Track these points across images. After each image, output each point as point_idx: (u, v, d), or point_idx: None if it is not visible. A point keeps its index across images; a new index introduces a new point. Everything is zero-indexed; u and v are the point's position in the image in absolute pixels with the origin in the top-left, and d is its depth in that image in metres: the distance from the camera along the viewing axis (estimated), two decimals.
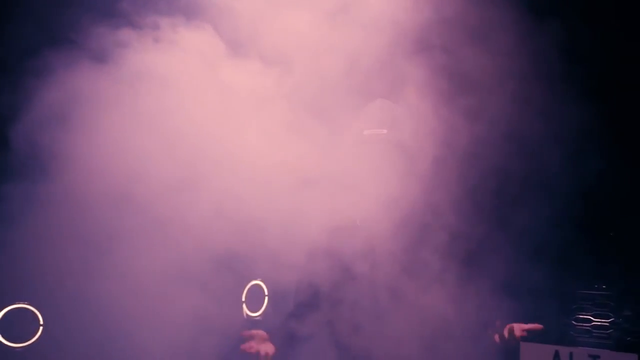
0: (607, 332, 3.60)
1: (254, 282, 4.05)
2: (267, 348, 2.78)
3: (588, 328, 3.66)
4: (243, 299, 4.00)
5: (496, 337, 2.83)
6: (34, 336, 3.49)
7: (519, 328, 2.80)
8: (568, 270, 3.71)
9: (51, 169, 2.85)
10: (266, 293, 4.13)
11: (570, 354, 3.48)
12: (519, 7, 3.03)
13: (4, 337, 3.43)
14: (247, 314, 4.00)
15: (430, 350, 2.80)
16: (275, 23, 2.90)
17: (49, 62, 2.83)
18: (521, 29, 2.98)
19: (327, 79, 2.83)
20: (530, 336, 2.84)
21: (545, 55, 3.09)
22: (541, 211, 3.53)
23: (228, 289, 2.89)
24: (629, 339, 3.55)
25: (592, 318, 3.65)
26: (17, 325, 3.47)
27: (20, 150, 2.84)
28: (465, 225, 2.94)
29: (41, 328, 3.49)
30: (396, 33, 2.88)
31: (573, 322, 3.70)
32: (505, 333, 2.78)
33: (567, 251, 3.65)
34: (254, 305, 4.07)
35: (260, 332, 2.79)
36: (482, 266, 2.91)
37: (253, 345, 2.74)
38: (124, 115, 2.81)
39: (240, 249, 2.83)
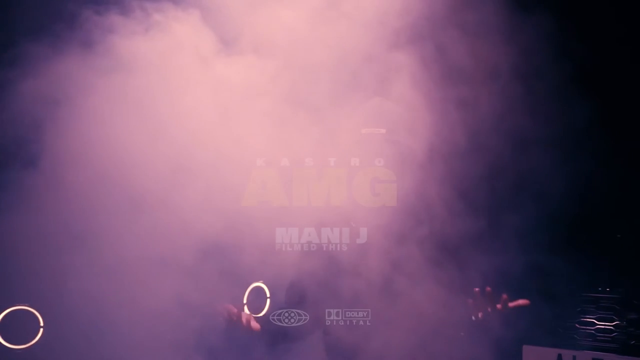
0: (611, 335, 3.57)
1: (255, 284, 4.03)
2: (252, 322, 2.79)
3: (591, 331, 3.62)
4: (244, 301, 3.98)
5: (476, 310, 2.76)
6: (34, 338, 3.50)
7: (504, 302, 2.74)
8: (571, 273, 3.68)
9: (37, 160, 2.85)
10: (268, 295, 4.11)
11: (574, 358, 3.46)
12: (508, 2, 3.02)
13: (4, 338, 3.45)
14: None
15: (424, 348, 2.78)
16: (266, 16, 2.89)
17: (29, 52, 2.82)
18: (511, 24, 2.97)
19: (318, 72, 2.81)
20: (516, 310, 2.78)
21: (536, 51, 3.07)
22: (542, 211, 3.50)
23: (214, 278, 2.85)
24: (632, 342, 3.52)
25: (595, 321, 3.62)
26: (17, 327, 3.48)
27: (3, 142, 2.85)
28: (462, 224, 2.93)
29: (41, 330, 3.50)
30: (386, 27, 2.87)
31: (576, 325, 3.67)
32: (486, 300, 2.72)
33: (570, 253, 3.62)
34: (255, 308, 4.06)
35: (245, 313, 2.80)
36: (481, 266, 2.88)
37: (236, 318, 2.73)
38: (112, 103, 2.79)
39: (229, 240, 2.82)
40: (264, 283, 3.92)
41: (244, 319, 2.76)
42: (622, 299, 3.58)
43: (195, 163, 2.80)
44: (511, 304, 2.77)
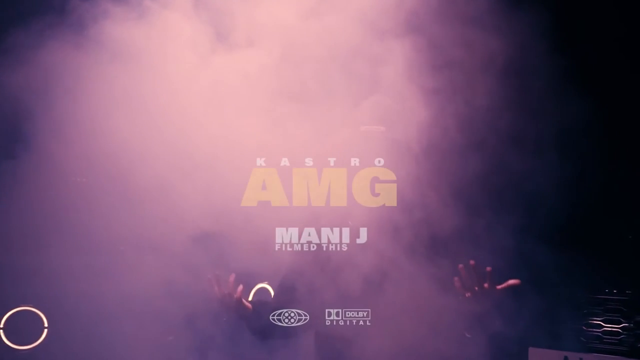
0: (618, 338, 3.54)
1: (260, 285, 4.04)
2: (244, 302, 2.79)
3: (598, 334, 3.59)
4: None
5: (457, 281, 2.71)
6: (38, 338, 3.52)
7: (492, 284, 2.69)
8: (578, 274, 3.66)
9: (29, 155, 2.85)
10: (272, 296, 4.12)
11: None
12: None
13: (9, 339, 3.48)
14: None
15: (425, 349, 2.76)
16: (261, 9, 2.88)
17: (17, 41, 2.82)
18: (507, 20, 2.95)
19: (314, 68, 2.81)
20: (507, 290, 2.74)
21: (534, 48, 3.05)
22: (547, 212, 3.48)
23: (202, 264, 2.83)
24: None
25: (602, 323, 3.59)
26: (21, 328, 3.51)
27: None
28: (464, 224, 2.92)
29: (46, 330, 3.53)
30: (383, 22, 2.86)
31: (583, 327, 3.64)
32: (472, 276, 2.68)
33: (576, 254, 3.60)
34: None
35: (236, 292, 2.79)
36: (483, 266, 2.86)
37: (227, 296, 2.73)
38: (104, 93, 2.78)
39: (229, 241, 2.81)
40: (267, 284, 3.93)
41: (235, 297, 2.75)
42: (629, 300, 3.55)
43: (194, 162, 2.79)
44: (500, 286, 2.73)
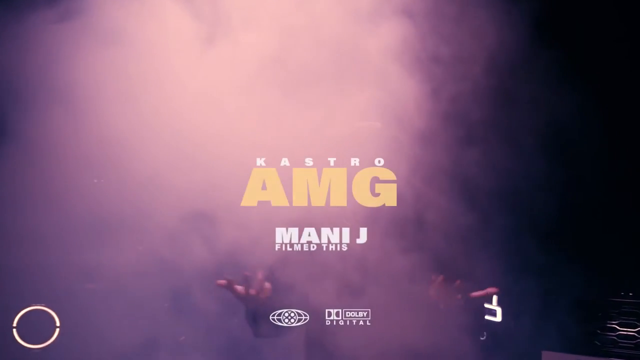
0: (634, 342, 3.49)
1: None
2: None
3: (613, 337, 3.54)
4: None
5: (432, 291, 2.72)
6: (50, 338, 3.58)
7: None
8: (592, 277, 3.61)
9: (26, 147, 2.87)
10: None
11: None
12: None
13: (21, 338, 3.54)
14: None
15: (427, 349, 2.75)
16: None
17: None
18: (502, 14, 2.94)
19: (309, 65, 2.81)
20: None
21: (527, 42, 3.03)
22: (560, 213, 3.45)
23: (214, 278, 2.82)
24: None
25: (617, 327, 3.54)
26: (34, 327, 3.57)
27: None
28: (467, 223, 2.91)
29: (57, 329, 3.59)
30: (380, 17, 2.86)
31: (598, 331, 3.59)
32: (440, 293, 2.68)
33: (591, 256, 3.55)
34: None
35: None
36: (487, 266, 2.85)
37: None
38: (95, 77, 2.78)
39: (228, 241, 2.82)
40: None
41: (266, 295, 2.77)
42: None
43: (193, 162, 2.81)
44: (476, 294, 2.71)
